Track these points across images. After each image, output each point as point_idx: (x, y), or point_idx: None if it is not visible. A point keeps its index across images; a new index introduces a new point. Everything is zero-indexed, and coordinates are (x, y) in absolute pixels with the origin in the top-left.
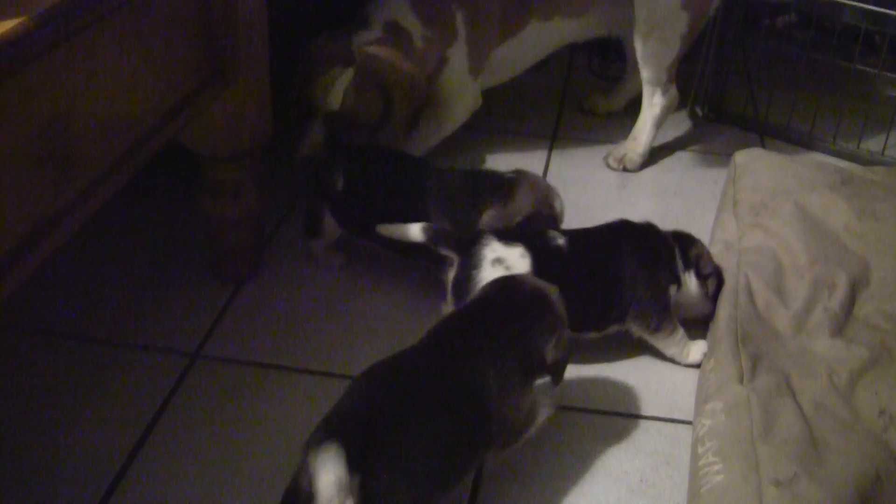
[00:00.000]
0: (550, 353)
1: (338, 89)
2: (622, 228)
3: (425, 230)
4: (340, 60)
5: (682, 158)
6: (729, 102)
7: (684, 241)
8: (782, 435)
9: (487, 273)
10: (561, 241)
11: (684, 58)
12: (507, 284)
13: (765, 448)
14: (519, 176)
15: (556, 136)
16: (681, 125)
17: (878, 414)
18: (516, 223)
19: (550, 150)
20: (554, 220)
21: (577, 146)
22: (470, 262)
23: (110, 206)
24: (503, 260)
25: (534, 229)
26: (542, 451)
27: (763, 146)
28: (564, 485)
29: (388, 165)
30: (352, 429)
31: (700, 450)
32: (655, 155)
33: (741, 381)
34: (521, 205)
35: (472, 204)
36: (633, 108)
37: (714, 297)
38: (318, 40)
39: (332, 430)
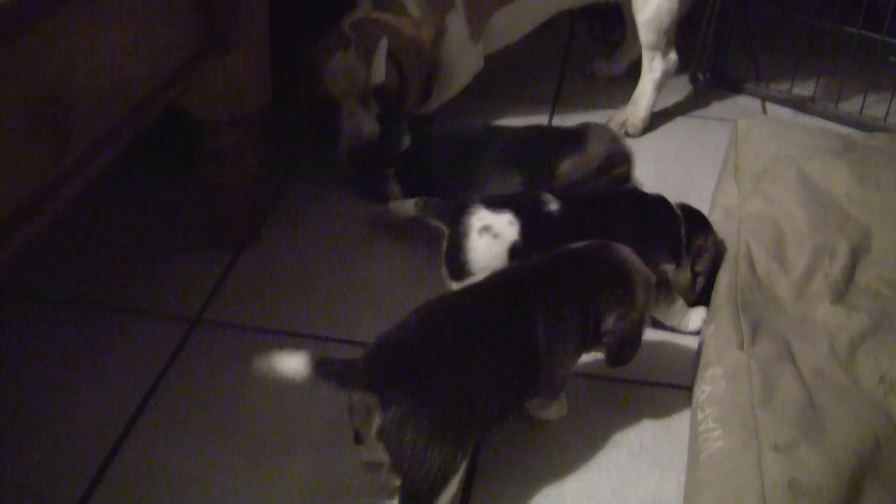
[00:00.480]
0: (609, 324)
1: (359, 66)
2: (627, 198)
3: (416, 204)
4: (337, 46)
5: (683, 124)
6: (731, 68)
7: (693, 226)
8: (782, 401)
9: (475, 241)
10: (554, 206)
11: (686, 23)
12: (596, 248)
13: (764, 414)
14: (585, 126)
15: (557, 102)
16: (682, 91)
17: (878, 381)
18: (595, 167)
19: (552, 115)
20: (625, 159)
21: (578, 112)
22: (458, 231)
23: (110, 173)
24: (490, 227)
25: (526, 193)
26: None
27: (765, 112)
28: (564, 451)
29: (453, 130)
30: (388, 352)
31: (700, 416)
32: (657, 121)
33: (741, 347)
34: (596, 150)
35: (544, 157)
36: (634, 73)
37: (702, 291)
38: (311, 44)
39: (368, 350)
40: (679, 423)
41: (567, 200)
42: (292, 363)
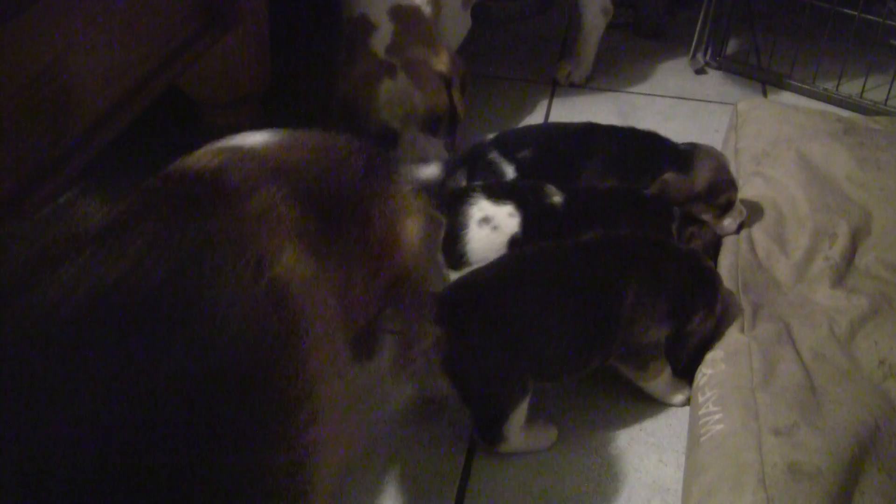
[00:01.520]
0: (694, 324)
1: (412, 94)
2: (627, 193)
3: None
4: (382, 73)
5: (683, 107)
6: (731, 51)
7: (687, 224)
8: (782, 383)
9: (474, 233)
10: (557, 198)
11: (686, 4)
12: (692, 253)
13: (764, 396)
14: (694, 147)
15: (557, 83)
16: (682, 74)
17: (877, 364)
18: (695, 193)
19: (552, 96)
20: (730, 186)
21: (578, 93)
22: (457, 222)
23: (108, 154)
24: (490, 219)
25: (529, 183)
26: (540, 401)
27: (765, 95)
28: (564, 433)
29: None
30: (463, 291)
31: (700, 399)
32: (657, 103)
33: (742, 329)
34: (701, 176)
35: (647, 172)
36: (629, 55)
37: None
38: (342, 78)
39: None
40: (676, 405)
41: (570, 193)
42: None
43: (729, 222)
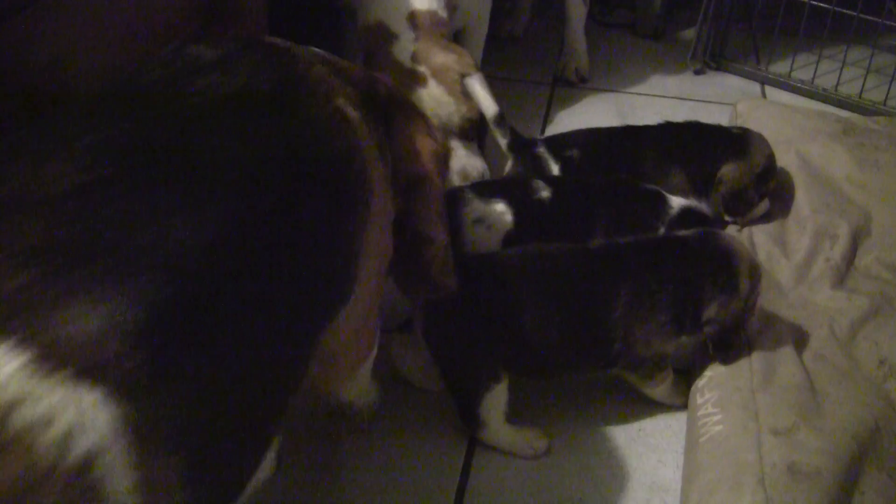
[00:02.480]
0: (711, 313)
1: (447, 102)
2: (616, 188)
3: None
4: (414, 84)
5: (682, 108)
6: (730, 51)
7: (678, 226)
8: (782, 384)
9: (470, 235)
10: (545, 192)
11: (684, 5)
12: (701, 235)
13: (764, 397)
14: (745, 131)
15: (556, 83)
16: (681, 74)
17: (877, 364)
18: (756, 175)
19: (551, 96)
20: (776, 171)
21: (577, 93)
22: (453, 224)
23: None
24: (484, 219)
25: (516, 179)
26: (539, 401)
27: (764, 96)
28: (561, 434)
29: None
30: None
31: (699, 400)
32: (656, 104)
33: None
34: (758, 159)
35: (705, 157)
36: (628, 55)
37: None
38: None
39: None
40: (677, 406)
41: (557, 187)
42: None
43: (761, 208)
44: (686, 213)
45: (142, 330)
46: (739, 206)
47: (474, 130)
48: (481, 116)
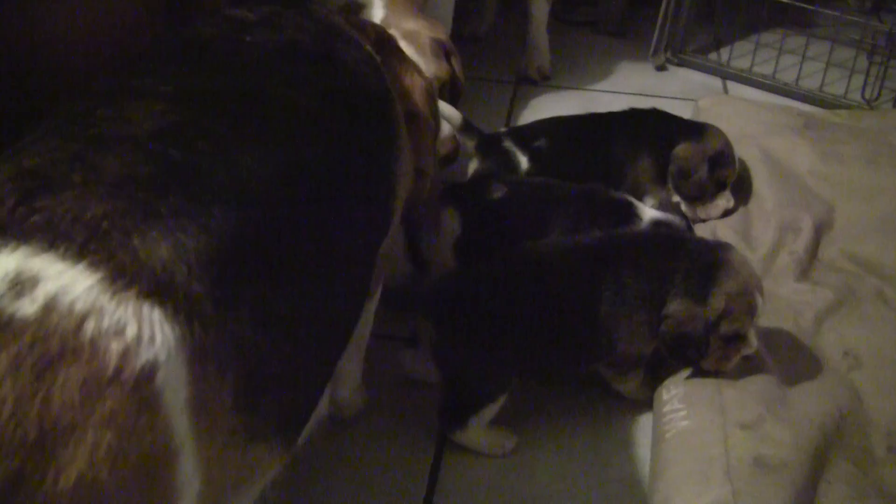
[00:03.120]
0: (668, 309)
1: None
2: (560, 187)
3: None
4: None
5: (645, 104)
6: (691, 47)
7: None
8: (748, 377)
9: (423, 244)
10: (498, 194)
11: (646, 2)
12: (702, 244)
13: (730, 391)
14: (705, 124)
15: (519, 82)
16: (643, 71)
17: (842, 355)
18: (706, 159)
19: (514, 95)
20: (733, 163)
21: (540, 91)
22: (410, 230)
23: None
24: (438, 228)
25: (470, 182)
26: (508, 398)
27: (726, 91)
28: (530, 431)
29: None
30: (452, 287)
31: (665, 396)
32: (619, 100)
33: None
34: (712, 143)
35: (668, 139)
36: (591, 53)
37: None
38: None
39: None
40: (645, 401)
41: (512, 188)
42: None
43: (722, 203)
44: (657, 224)
45: (208, 259)
46: (690, 188)
47: (445, 91)
48: (453, 75)
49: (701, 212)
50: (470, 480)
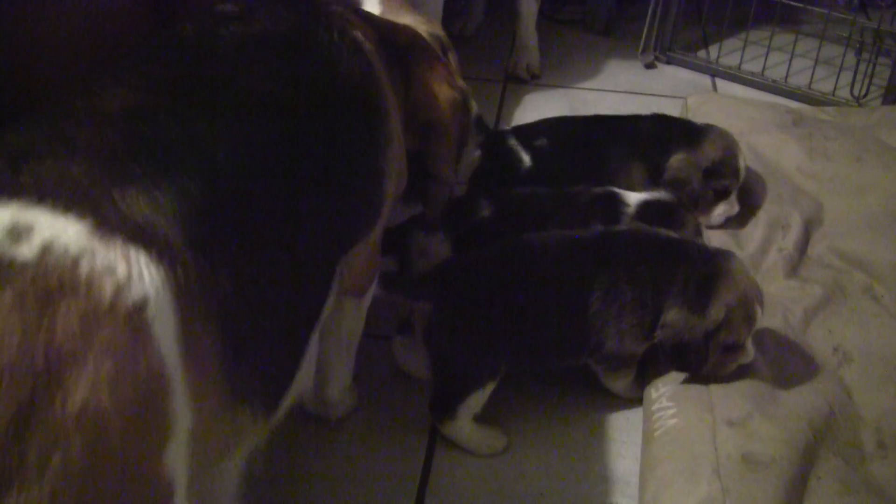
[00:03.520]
0: (665, 318)
1: None
2: (559, 197)
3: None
4: None
5: (633, 102)
6: (680, 45)
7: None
8: (737, 375)
9: (417, 266)
10: (485, 212)
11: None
12: (705, 252)
13: (718, 389)
14: (709, 127)
15: (507, 81)
16: (632, 69)
17: (832, 351)
18: (702, 169)
19: (503, 94)
20: (736, 171)
21: (528, 90)
22: (404, 257)
23: None
24: (426, 251)
25: (459, 202)
26: (498, 393)
27: (714, 88)
28: (521, 428)
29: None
30: (451, 271)
31: (654, 394)
32: (607, 99)
33: None
34: (709, 152)
35: (662, 148)
36: (579, 51)
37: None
38: None
39: (434, 267)
40: (635, 400)
41: (500, 203)
42: None
43: (720, 212)
44: (646, 206)
45: (184, 215)
46: (685, 198)
47: None
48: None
49: (701, 219)
50: (461, 479)
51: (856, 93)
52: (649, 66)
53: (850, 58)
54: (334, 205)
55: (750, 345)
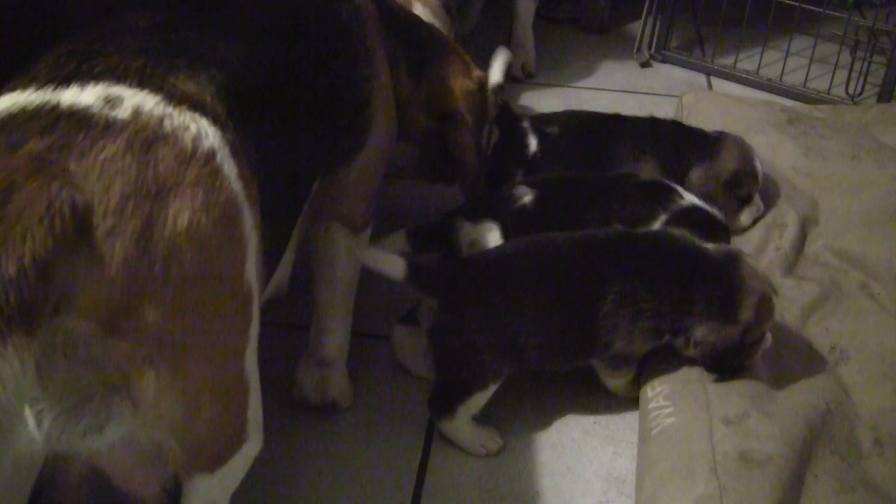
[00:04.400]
0: (698, 336)
1: None
2: (598, 181)
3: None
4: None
5: (629, 100)
6: (675, 44)
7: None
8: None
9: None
10: (527, 198)
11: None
12: (717, 256)
13: (715, 387)
14: (722, 136)
15: (515, 79)
16: (628, 68)
17: (829, 349)
18: (723, 182)
19: None
20: (755, 178)
21: (524, 88)
22: (452, 250)
23: None
24: (477, 241)
25: (498, 192)
26: (497, 392)
27: (710, 87)
28: (517, 428)
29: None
30: (465, 268)
31: (650, 392)
32: (603, 98)
33: None
34: (727, 165)
35: (678, 155)
36: (575, 50)
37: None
38: None
39: (450, 261)
40: (632, 399)
41: (540, 189)
42: (392, 266)
43: (746, 216)
44: (694, 210)
45: (220, 96)
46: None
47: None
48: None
49: (732, 225)
50: (458, 477)
51: (851, 91)
52: (644, 64)
53: (845, 56)
54: (319, 124)
55: (769, 333)
